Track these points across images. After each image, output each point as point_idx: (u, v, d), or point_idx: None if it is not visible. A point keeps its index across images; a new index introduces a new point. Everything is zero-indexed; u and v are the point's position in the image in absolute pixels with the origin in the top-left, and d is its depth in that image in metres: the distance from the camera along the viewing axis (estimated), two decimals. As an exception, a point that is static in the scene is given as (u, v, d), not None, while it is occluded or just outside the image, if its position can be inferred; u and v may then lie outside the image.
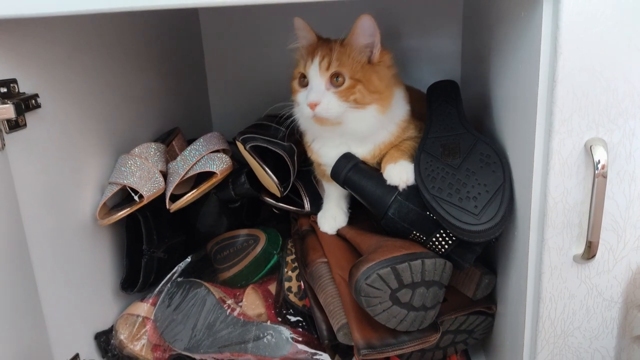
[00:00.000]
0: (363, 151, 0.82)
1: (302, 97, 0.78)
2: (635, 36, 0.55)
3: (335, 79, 0.76)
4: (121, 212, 0.84)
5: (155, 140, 1.03)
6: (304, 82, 0.79)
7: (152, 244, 0.92)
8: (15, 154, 0.69)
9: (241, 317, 0.86)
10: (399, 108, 0.83)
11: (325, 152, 0.84)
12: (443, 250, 0.76)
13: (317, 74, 0.77)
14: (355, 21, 0.76)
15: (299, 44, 0.82)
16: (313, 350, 0.82)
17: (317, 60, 0.77)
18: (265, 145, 0.90)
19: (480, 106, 0.89)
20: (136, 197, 0.87)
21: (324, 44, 0.79)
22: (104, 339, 0.87)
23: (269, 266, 0.94)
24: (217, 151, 0.94)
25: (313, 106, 0.75)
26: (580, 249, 0.62)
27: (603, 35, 0.55)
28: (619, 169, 0.60)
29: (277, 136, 0.94)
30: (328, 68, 0.76)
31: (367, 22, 0.76)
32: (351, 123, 0.78)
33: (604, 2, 0.55)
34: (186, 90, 1.23)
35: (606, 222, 0.61)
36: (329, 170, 0.83)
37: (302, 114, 0.79)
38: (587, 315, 0.66)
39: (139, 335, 0.88)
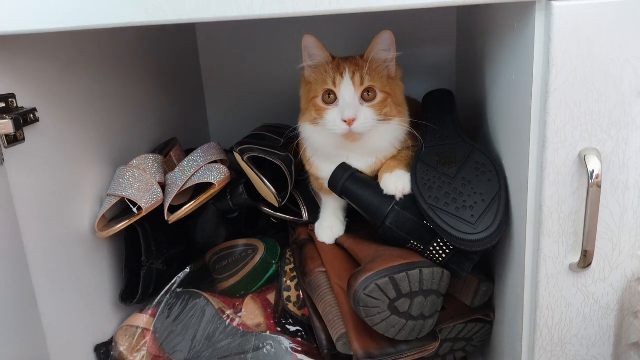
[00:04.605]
0: (362, 164, 0.82)
1: (333, 114, 0.77)
2: (625, 48, 0.56)
3: (366, 94, 0.77)
4: (120, 225, 0.85)
5: (153, 151, 1.03)
6: (329, 99, 0.78)
7: (151, 255, 0.92)
8: (14, 169, 0.70)
9: (241, 328, 0.86)
10: None
11: (325, 166, 0.84)
12: (441, 259, 0.76)
13: (350, 90, 0.77)
14: (376, 36, 0.78)
15: (310, 62, 0.81)
16: (313, 360, 0.83)
17: (347, 75, 0.77)
18: (262, 155, 0.91)
19: (475, 115, 0.90)
20: (135, 209, 0.87)
21: (346, 60, 0.80)
22: (104, 351, 0.87)
23: (267, 276, 0.94)
24: (215, 162, 0.94)
25: (351, 122, 0.75)
26: (576, 257, 0.63)
27: (594, 47, 0.56)
28: (613, 178, 0.60)
29: (275, 146, 0.95)
30: (362, 83, 0.77)
31: (387, 38, 0.77)
32: (373, 137, 0.79)
33: (596, 14, 0.55)
34: (183, 101, 1.24)
35: (601, 231, 0.62)
36: (327, 183, 0.83)
37: (334, 130, 0.77)
38: (584, 323, 0.66)
39: (138, 347, 0.88)
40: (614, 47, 0.56)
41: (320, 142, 0.82)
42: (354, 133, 0.76)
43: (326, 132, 0.79)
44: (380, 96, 0.78)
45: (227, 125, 1.34)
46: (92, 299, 0.87)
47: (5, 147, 0.68)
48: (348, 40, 1.16)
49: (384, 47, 0.78)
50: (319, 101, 0.79)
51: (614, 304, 0.65)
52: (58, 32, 0.62)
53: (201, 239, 1.01)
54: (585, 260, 0.62)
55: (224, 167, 0.93)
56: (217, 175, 0.91)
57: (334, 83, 0.78)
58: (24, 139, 0.71)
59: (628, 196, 0.61)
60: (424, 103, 0.91)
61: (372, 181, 0.81)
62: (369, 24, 1.12)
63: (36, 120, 0.73)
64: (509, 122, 0.71)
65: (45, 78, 0.76)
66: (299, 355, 0.83)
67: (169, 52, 1.18)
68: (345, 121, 0.75)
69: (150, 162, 0.92)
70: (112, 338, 0.89)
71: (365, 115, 0.76)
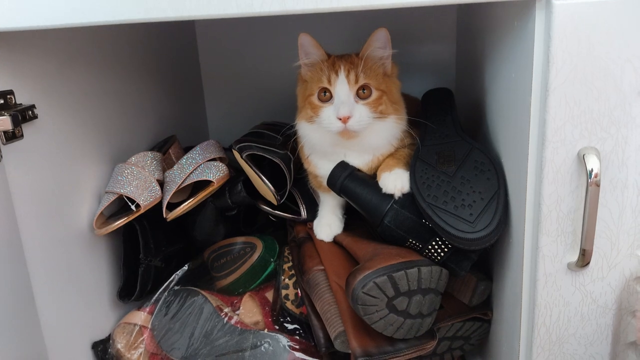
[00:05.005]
0: (360, 162, 0.83)
1: (328, 112, 0.78)
2: (626, 47, 0.56)
3: (361, 91, 0.77)
4: (118, 222, 0.84)
5: (152, 149, 1.03)
6: (325, 97, 0.79)
7: (149, 253, 0.92)
8: (13, 165, 0.70)
9: (238, 326, 0.86)
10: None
11: (323, 164, 0.85)
12: (439, 257, 0.76)
13: (345, 88, 0.77)
14: (371, 34, 0.78)
15: (306, 60, 0.82)
16: (310, 358, 0.82)
17: (342, 73, 0.77)
18: (261, 153, 0.91)
19: (474, 114, 0.90)
20: (133, 206, 0.87)
21: (341, 58, 0.80)
22: (101, 348, 0.87)
23: (266, 274, 0.94)
24: (214, 159, 0.94)
25: (345, 120, 0.75)
26: (574, 256, 0.63)
27: (594, 46, 0.56)
28: (612, 177, 0.60)
29: (273, 144, 0.95)
30: (357, 81, 0.77)
31: (383, 35, 0.77)
32: (369, 135, 0.79)
33: (596, 13, 0.55)
34: (182, 98, 1.24)
35: (600, 230, 0.62)
36: (325, 181, 0.83)
37: (330, 128, 0.77)
38: (581, 322, 0.66)
39: (136, 344, 0.88)
40: (614, 45, 0.56)
41: (317, 139, 0.83)
42: (349, 131, 0.76)
43: (322, 130, 0.79)
44: (375, 94, 0.78)
45: (226, 123, 1.34)
46: (89, 296, 0.87)
47: (4, 144, 0.68)
48: (348, 37, 1.16)
49: (379, 45, 0.79)
50: (314, 99, 0.80)
51: (612, 303, 0.65)
52: (57, 28, 0.62)
53: (199, 236, 1.01)
54: (584, 259, 0.62)
55: (223, 165, 0.93)
56: (216, 173, 0.91)
57: (329, 81, 0.78)
58: (22, 135, 0.71)
59: (627, 195, 0.61)
60: (423, 102, 0.91)
61: (370, 179, 0.81)
62: (369, 21, 1.12)
63: (35, 117, 0.73)
64: (508, 121, 0.71)
65: (44, 75, 0.76)
66: (297, 353, 0.83)
67: (169, 49, 1.17)
68: (340, 119, 0.75)
69: (148, 160, 0.92)
70: (109, 335, 0.89)
71: (360, 112, 0.76)
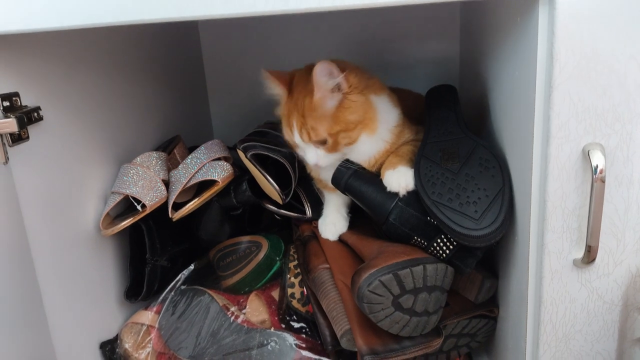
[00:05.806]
0: (358, 161, 0.83)
1: (302, 154, 0.82)
2: (630, 43, 0.56)
3: (317, 142, 0.79)
4: (124, 222, 0.85)
5: (157, 149, 1.04)
6: (294, 143, 0.82)
7: (156, 253, 0.93)
8: (19, 167, 0.70)
9: (245, 324, 0.87)
10: (388, 114, 0.82)
11: None
12: (444, 255, 0.76)
13: (302, 143, 0.80)
14: (313, 72, 0.74)
15: (273, 94, 0.84)
16: (317, 357, 0.83)
17: (296, 132, 0.79)
18: (266, 153, 0.91)
19: (478, 110, 0.90)
20: (139, 207, 0.87)
21: (295, 107, 0.79)
22: (109, 348, 0.88)
23: (271, 272, 0.94)
24: (219, 159, 0.94)
25: (316, 166, 0.81)
26: (580, 253, 0.63)
27: (598, 42, 0.56)
28: (617, 173, 0.60)
29: (278, 143, 0.95)
30: (309, 138, 0.79)
31: (323, 69, 0.74)
32: (352, 153, 0.82)
33: (600, 9, 0.55)
34: (187, 99, 1.24)
35: (605, 226, 0.62)
36: (329, 181, 0.84)
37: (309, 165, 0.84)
38: (588, 319, 0.66)
39: (143, 344, 0.88)
40: (618, 42, 0.56)
41: None
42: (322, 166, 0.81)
43: None
44: (329, 141, 0.78)
45: (230, 123, 1.35)
46: (97, 296, 0.87)
47: (10, 146, 0.69)
48: (352, 36, 1.16)
49: (325, 79, 0.74)
50: (287, 138, 0.83)
51: (618, 299, 0.65)
52: (62, 30, 0.62)
53: (205, 236, 1.01)
54: (589, 256, 0.62)
55: (228, 165, 0.93)
56: (221, 173, 0.91)
57: (291, 136, 0.81)
58: (28, 137, 0.71)
59: (632, 191, 0.61)
60: (427, 98, 0.91)
61: (375, 178, 0.81)
62: (373, 20, 1.12)
63: (40, 118, 0.73)
64: (512, 118, 0.71)
65: (49, 76, 0.77)
66: (303, 352, 0.83)
67: (173, 50, 1.18)
68: (314, 165, 0.81)
69: (153, 160, 0.93)
70: (117, 335, 0.90)
71: (325, 156, 0.80)
